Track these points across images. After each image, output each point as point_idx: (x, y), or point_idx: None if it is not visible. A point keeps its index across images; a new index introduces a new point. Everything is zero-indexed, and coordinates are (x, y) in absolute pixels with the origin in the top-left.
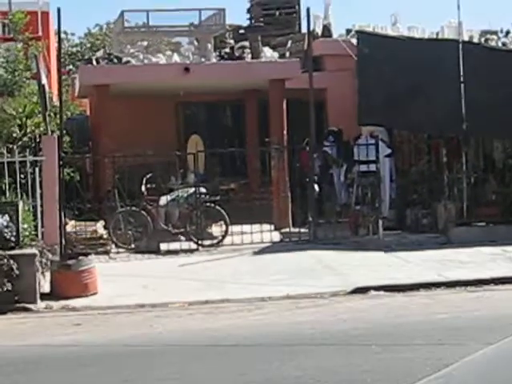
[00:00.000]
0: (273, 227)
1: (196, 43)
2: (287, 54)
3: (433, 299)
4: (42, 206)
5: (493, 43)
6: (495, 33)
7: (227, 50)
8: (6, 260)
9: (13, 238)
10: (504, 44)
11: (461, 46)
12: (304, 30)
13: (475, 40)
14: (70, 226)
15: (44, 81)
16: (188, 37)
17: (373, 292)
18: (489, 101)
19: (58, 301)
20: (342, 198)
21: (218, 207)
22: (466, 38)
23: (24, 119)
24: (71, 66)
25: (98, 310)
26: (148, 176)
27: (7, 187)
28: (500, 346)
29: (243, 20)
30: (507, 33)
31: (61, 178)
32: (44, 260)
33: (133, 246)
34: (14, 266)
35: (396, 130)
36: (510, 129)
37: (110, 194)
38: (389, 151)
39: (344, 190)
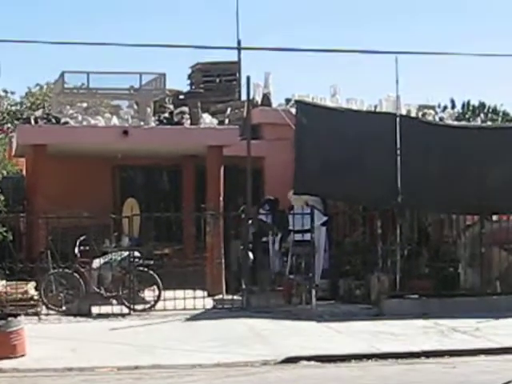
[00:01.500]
0: (206, 293)
1: (135, 107)
2: (226, 121)
3: (364, 371)
4: None
5: (430, 117)
6: (433, 107)
7: (166, 114)
8: None
9: None
10: (441, 119)
11: (398, 119)
12: (244, 97)
13: (413, 114)
14: (1, 285)
15: None
16: (128, 100)
17: (304, 362)
18: (425, 174)
19: None
20: (276, 266)
21: (151, 272)
22: (404, 112)
23: None
24: (10, 125)
25: (25, 373)
26: (82, 238)
27: None
28: None
29: (184, 85)
30: (445, 108)
31: None
32: None
33: (64, 308)
34: None
35: (331, 201)
36: (444, 203)
37: (42, 254)
38: (325, 219)
39: (278, 259)
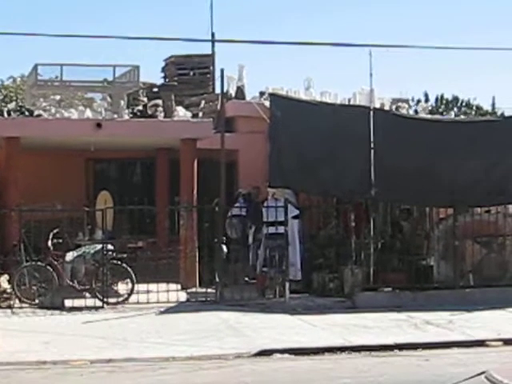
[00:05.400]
0: (180, 287)
1: (109, 99)
2: (200, 113)
3: (337, 363)
4: None
5: (404, 111)
6: (406, 101)
7: (140, 107)
8: None
9: None
10: (416, 112)
11: (372, 112)
12: (218, 90)
13: (386, 107)
14: None
15: None
16: (101, 93)
17: (277, 355)
18: (398, 167)
19: None
20: (250, 259)
21: (124, 265)
22: (378, 105)
23: None
24: None
25: None
26: (55, 231)
27: None
28: None
29: (157, 78)
30: (418, 101)
31: None
32: None
33: (37, 301)
34: None
35: (305, 194)
36: (418, 196)
37: (15, 247)
38: (296, 212)
39: (252, 252)
